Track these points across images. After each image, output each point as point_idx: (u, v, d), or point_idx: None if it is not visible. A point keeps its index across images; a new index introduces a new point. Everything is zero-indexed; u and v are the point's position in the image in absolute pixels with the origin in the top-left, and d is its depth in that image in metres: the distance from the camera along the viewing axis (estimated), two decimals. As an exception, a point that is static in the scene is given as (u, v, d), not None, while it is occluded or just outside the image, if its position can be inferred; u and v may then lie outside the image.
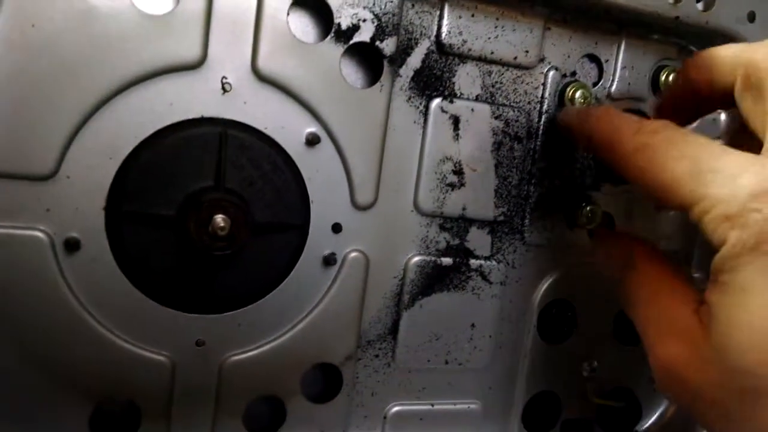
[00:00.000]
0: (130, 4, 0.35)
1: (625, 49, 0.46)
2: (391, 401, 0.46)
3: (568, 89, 0.45)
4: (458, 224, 0.45)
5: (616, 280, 0.39)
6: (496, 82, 0.44)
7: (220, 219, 0.36)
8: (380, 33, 0.40)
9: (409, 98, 0.42)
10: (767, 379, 0.29)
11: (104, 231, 0.37)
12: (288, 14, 0.38)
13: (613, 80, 0.47)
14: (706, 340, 0.32)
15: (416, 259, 0.44)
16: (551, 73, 0.45)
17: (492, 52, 0.43)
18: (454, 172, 0.43)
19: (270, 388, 0.42)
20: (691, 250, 0.52)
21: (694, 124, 0.50)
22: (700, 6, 0.44)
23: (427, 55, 0.42)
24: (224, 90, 0.38)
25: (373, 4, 0.39)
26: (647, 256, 0.38)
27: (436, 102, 0.42)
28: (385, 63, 0.40)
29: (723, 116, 0.51)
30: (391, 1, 0.40)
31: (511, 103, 0.44)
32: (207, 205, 0.36)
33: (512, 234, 0.46)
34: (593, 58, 0.46)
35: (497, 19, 0.42)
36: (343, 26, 0.39)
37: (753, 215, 0.30)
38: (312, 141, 0.40)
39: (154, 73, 0.36)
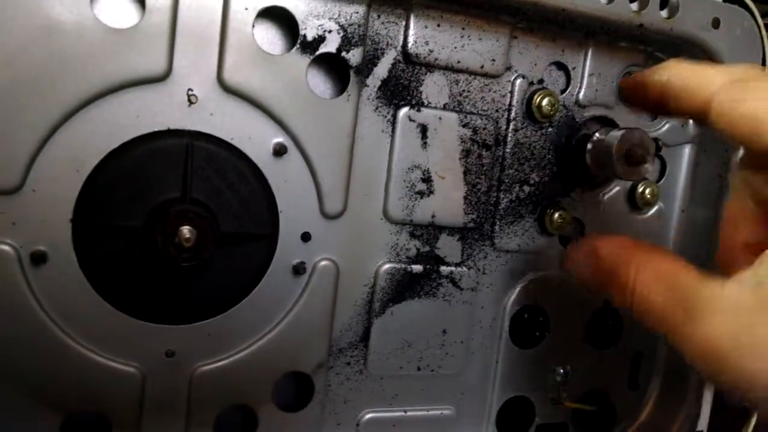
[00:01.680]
0: (94, 18, 0.35)
1: (592, 57, 0.47)
2: (363, 408, 0.46)
3: (536, 97, 0.45)
4: (428, 231, 0.45)
5: (604, 283, 0.37)
6: (464, 90, 0.44)
7: (185, 230, 0.36)
8: (346, 43, 0.40)
9: (377, 108, 0.42)
10: None
11: (71, 243, 0.37)
12: (253, 26, 0.38)
13: (580, 87, 0.47)
14: (762, 297, 0.29)
15: (386, 266, 0.44)
16: (518, 81, 0.45)
17: (459, 61, 0.43)
18: (423, 180, 0.44)
19: (241, 397, 0.42)
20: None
21: (665, 128, 0.50)
22: (664, 13, 0.45)
23: (393, 64, 0.42)
24: (190, 102, 0.38)
25: (339, 15, 0.40)
26: (642, 247, 0.36)
27: (403, 111, 0.43)
28: (352, 73, 0.41)
29: (691, 121, 0.51)
30: (357, 12, 0.40)
31: (479, 111, 0.45)
32: (173, 216, 0.37)
33: (482, 240, 0.47)
34: (560, 66, 0.47)
35: (463, 28, 0.43)
36: (309, 37, 0.39)
37: None
38: (279, 151, 0.40)
39: (119, 86, 0.36)
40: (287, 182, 0.41)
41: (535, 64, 0.46)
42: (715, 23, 0.46)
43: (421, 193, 0.44)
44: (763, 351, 0.29)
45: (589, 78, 0.47)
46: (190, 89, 0.38)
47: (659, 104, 0.38)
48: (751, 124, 0.32)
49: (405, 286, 0.45)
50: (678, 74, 0.36)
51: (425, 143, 0.44)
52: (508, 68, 0.45)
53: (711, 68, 0.36)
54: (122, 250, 0.37)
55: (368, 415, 0.46)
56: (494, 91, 0.45)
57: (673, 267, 0.34)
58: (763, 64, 0.48)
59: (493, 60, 0.44)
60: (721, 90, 0.34)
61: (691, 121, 0.51)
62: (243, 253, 0.40)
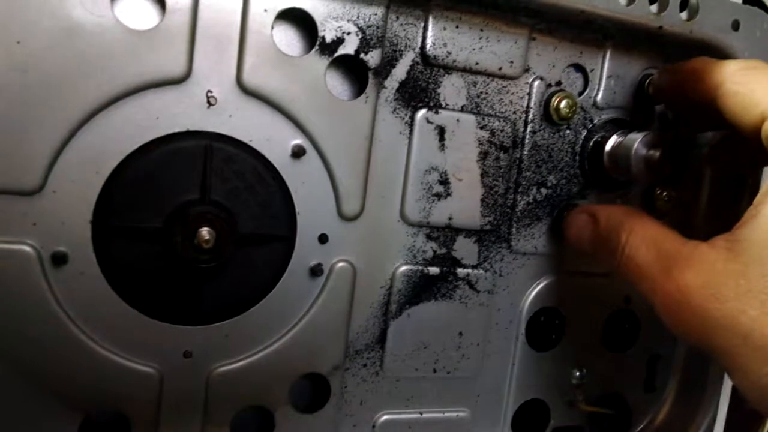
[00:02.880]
0: (114, 20, 0.35)
1: (611, 59, 0.47)
2: (379, 410, 0.46)
3: (554, 99, 0.45)
4: (445, 233, 0.45)
5: (599, 245, 0.42)
6: (482, 92, 0.44)
7: (205, 232, 0.36)
8: (365, 45, 0.40)
9: (395, 109, 0.42)
10: None
11: (91, 244, 0.37)
12: (272, 28, 0.38)
13: (598, 90, 0.47)
14: (732, 256, 0.34)
15: (403, 268, 0.44)
16: (536, 83, 0.45)
17: (477, 63, 0.43)
18: (440, 182, 0.44)
19: (258, 398, 0.42)
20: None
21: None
22: (683, 15, 0.45)
23: (412, 66, 0.42)
24: (209, 103, 0.38)
25: (358, 17, 0.40)
26: (635, 214, 0.41)
27: (421, 113, 0.43)
28: (370, 75, 0.41)
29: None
30: (376, 14, 0.40)
31: (497, 113, 0.45)
32: (192, 218, 0.37)
33: (499, 242, 0.46)
34: (579, 68, 0.46)
35: (481, 30, 0.43)
36: (328, 39, 0.39)
37: None
38: (298, 153, 0.40)
39: (139, 87, 0.36)
40: (305, 184, 0.41)
41: (554, 66, 0.46)
42: (735, 25, 0.46)
43: (438, 195, 0.44)
44: (727, 297, 0.33)
45: (608, 80, 0.47)
46: (209, 91, 0.38)
47: (681, 95, 0.43)
48: (743, 102, 0.36)
49: (421, 288, 0.45)
50: (696, 63, 0.41)
51: (443, 145, 0.43)
52: (526, 70, 0.45)
53: (725, 60, 0.40)
54: (142, 251, 0.38)
55: (384, 417, 0.46)
56: (512, 93, 0.45)
57: (660, 231, 0.38)
58: (784, 66, 0.48)
59: (512, 62, 0.44)
60: (728, 75, 0.38)
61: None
62: (261, 255, 0.40)
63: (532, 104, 0.45)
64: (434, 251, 0.45)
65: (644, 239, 0.38)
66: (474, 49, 0.43)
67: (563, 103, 0.45)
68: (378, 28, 0.40)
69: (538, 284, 0.48)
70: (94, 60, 0.35)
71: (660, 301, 0.36)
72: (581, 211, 0.44)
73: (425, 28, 0.42)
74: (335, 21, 0.39)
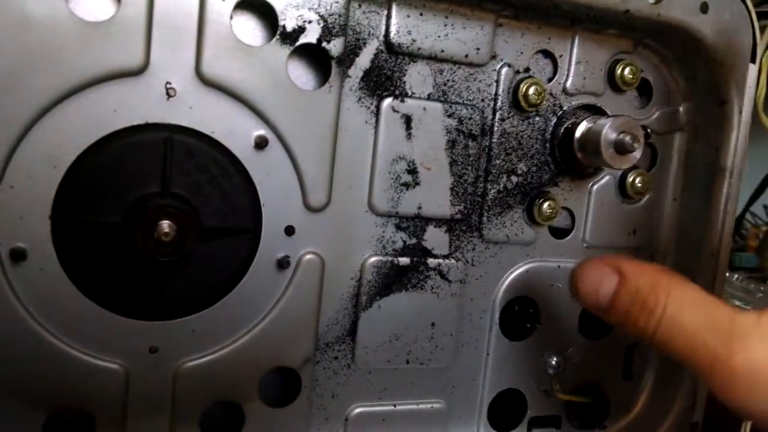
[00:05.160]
0: (68, 12, 0.35)
1: (579, 44, 0.46)
2: (352, 403, 0.45)
3: (522, 86, 0.45)
4: (415, 223, 0.44)
5: (624, 305, 0.36)
6: (448, 80, 0.44)
7: (165, 225, 0.36)
8: (327, 34, 0.40)
9: (360, 98, 0.42)
10: None
11: (51, 240, 0.36)
12: (231, 17, 0.38)
13: (568, 75, 0.46)
14: None
15: (373, 259, 0.44)
16: (504, 69, 0.45)
17: (442, 51, 0.43)
18: (408, 171, 0.43)
19: (227, 393, 0.42)
20: (656, 246, 0.52)
21: (655, 116, 0.50)
22: (651, -1, 0.44)
23: (376, 55, 0.42)
24: (168, 95, 0.37)
25: (319, 5, 0.39)
26: (671, 272, 0.36)
27: (387, 102, 0.42)
28: (334, 64, 0.40)
29: (681, 108, 0.50)
30: (337, 2, 0.40)
31: (464, 101, 0.44)
32: (152, 211, 0.36)
33: (470, 231, 0.46)
34: (547, 54, 0.46)
35: (446, 17, 0.42)
36: (289, 28, 0.39)
37: None
38: (261, 144, 0.39)
39: (96, 80, 0.36)
40: (269, 175, 0.40)
41: (521, 53, 0.45)
42: (704, 8, 0.46)
43: (406, 185, 0.43)
44: None
45: (577, 66, 0.46)
46: (168, 82, 0.37)
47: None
48: None
49: (392, 279, 0.44)
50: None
51: (410, 134, 0.43)
52: (494, 57, 0.44)
53: None
54: (102, 246, 0.37)
55: (357, 410, 0.45)
56: (479, 81, 0.44)
57: (704, 294, 0.34)
58: (753, 49, 0.47)
59: (478, 49, 0.44)
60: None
61: (681, 108, 0.50)
62: (226, 248, 0.40)
63: (500, 91, 0.45)
64: (404, 241, 0.44)
65: (687, 301, 0.34)
66: (439, 37, 0.42)
67: (532, 90, 0.45)
68: (340, 16, 0.40)
69: (511, 273, 0.48)
70: (48, 53, 0.35)
71: (724, 377, 0.32)
72: (599, 263, 0.38)
73: (389, 16, 0.41)
74: (296, 9, 0.39)
